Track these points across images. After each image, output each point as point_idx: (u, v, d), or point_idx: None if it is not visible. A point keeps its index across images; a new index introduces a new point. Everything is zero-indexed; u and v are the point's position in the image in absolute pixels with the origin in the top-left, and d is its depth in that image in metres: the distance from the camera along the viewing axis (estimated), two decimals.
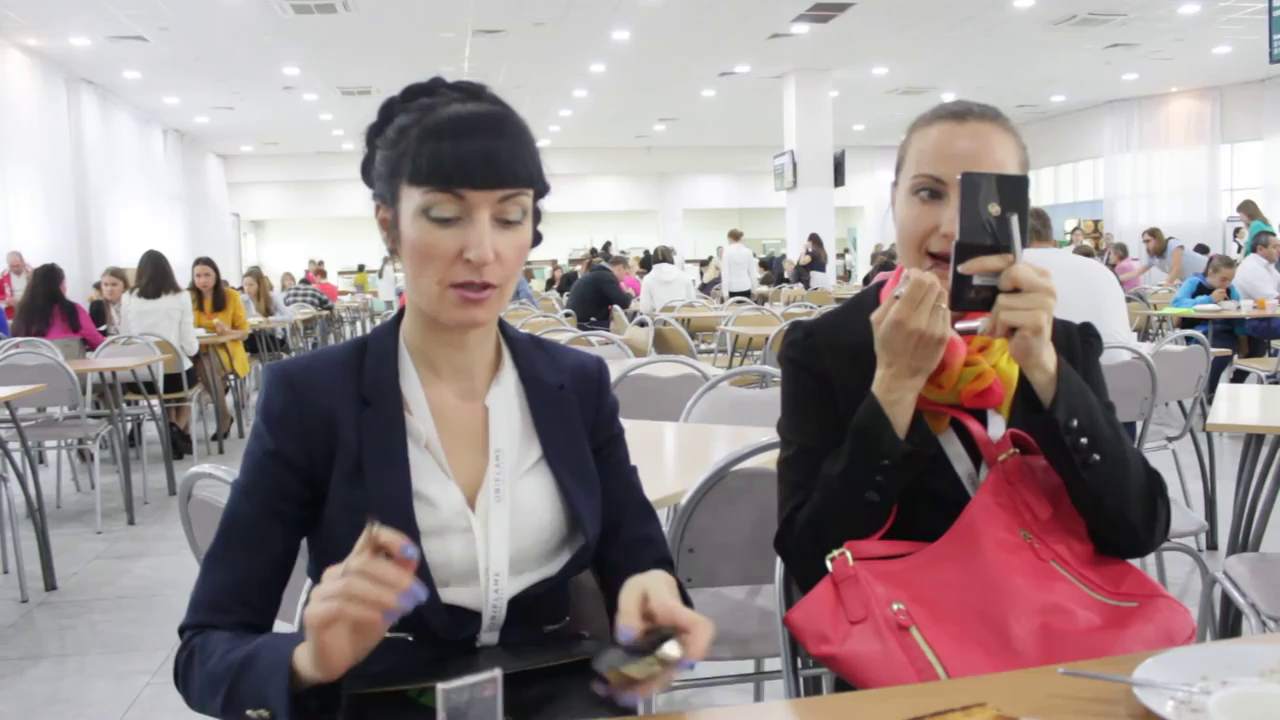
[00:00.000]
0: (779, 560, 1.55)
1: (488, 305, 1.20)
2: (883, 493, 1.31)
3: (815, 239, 14.70)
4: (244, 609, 1.20)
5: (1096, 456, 1.26)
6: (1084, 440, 1.26)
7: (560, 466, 1.29)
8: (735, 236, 14.90)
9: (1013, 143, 1.37)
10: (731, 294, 12.49)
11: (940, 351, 1.28)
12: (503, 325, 1.34)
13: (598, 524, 1.30)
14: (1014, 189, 1.23)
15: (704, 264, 22.14)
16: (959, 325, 1.30)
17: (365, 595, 0.96)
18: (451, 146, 1.15)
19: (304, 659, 1.04)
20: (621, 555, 1.33)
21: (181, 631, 1.21)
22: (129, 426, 6.39)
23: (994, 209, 1.21)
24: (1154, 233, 12.39)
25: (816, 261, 14.53)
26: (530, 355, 1.34)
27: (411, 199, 1.17)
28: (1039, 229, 4.06)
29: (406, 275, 1.22)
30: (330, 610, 0.96)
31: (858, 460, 1.31)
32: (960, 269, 1.22)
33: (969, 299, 1.23)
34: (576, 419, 1.33)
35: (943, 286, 1.25)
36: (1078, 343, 1.45)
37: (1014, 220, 1.22)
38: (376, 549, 0.98)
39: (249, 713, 1.09)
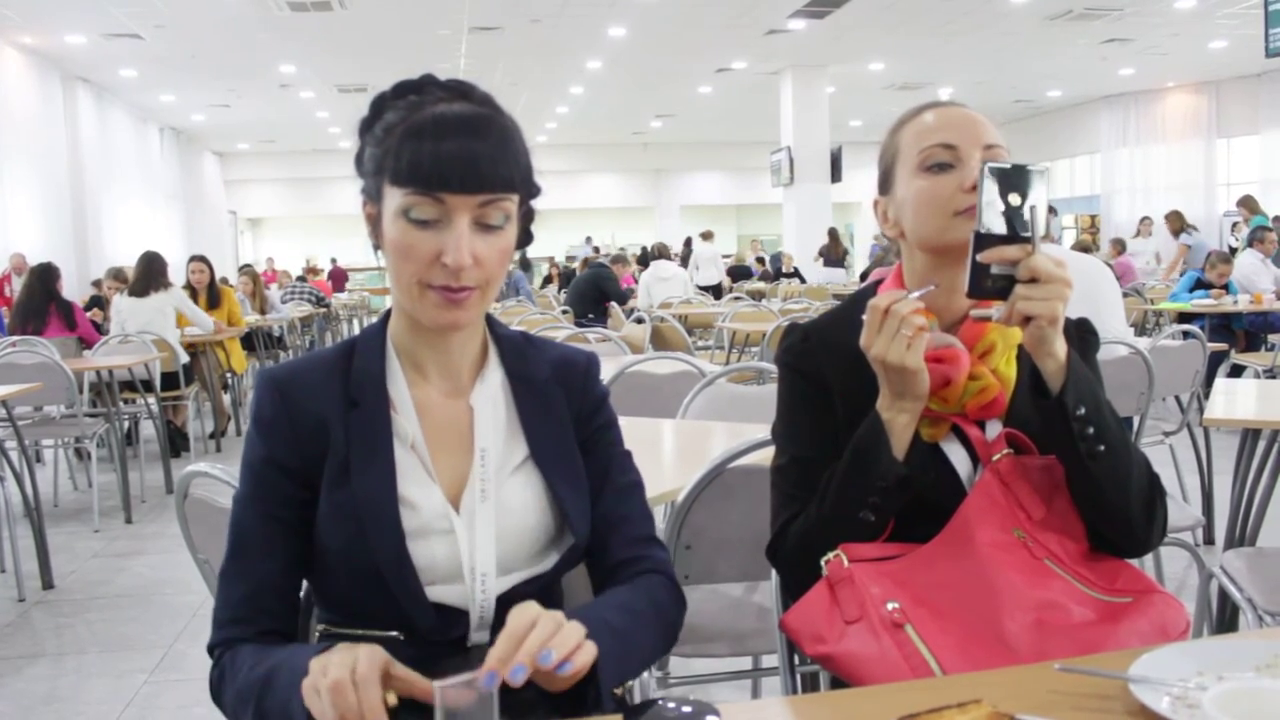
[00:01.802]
0: None
1: (467, 307, 1.19)
2: (877, 513, 1.31)
3: (832, 234, 14.77)
4: (264, 618, 1.21)
5: (1101, 446, 1.27)
6: (1090, 429, 1.27)
7: (548, 465, 1.28)
8: (706, 236, 15.35)
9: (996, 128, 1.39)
10: (701, 287, 13.25)
11: (916, 381, 1.28)
12: (491, 323, 1.34)
13: (587, 522, 1.30)
14: (1035, 180, 1.24)
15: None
16: (975, 312, 1.32)
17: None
18: (432, 148, 1.14)
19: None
20: (618, 557, 1.31)
21: (211, 650, 1.23)
22: (126, 425, 6.39)
23: (1014, 199, 1.23)
24: (1176, 215, 12.33)
25: (830, 257, 14.60)
26: (518, 352, 1.33)
27: (393, 198, 1.17)
28: None
29: (389, 273, 1.23)
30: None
31: (854, 479, 1.31)
32: (979, 258, 1.23)
33: (986, 287, 1.24)
34: (564, 415, 1.32)
35: (907, 311, 1.25)
36: (1074, 339, 1.44)
37: (1034, 211, 1.23)
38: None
39: None
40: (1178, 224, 12.34)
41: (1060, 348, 1.26)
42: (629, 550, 1.31)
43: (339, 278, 20.99)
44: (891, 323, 1.25)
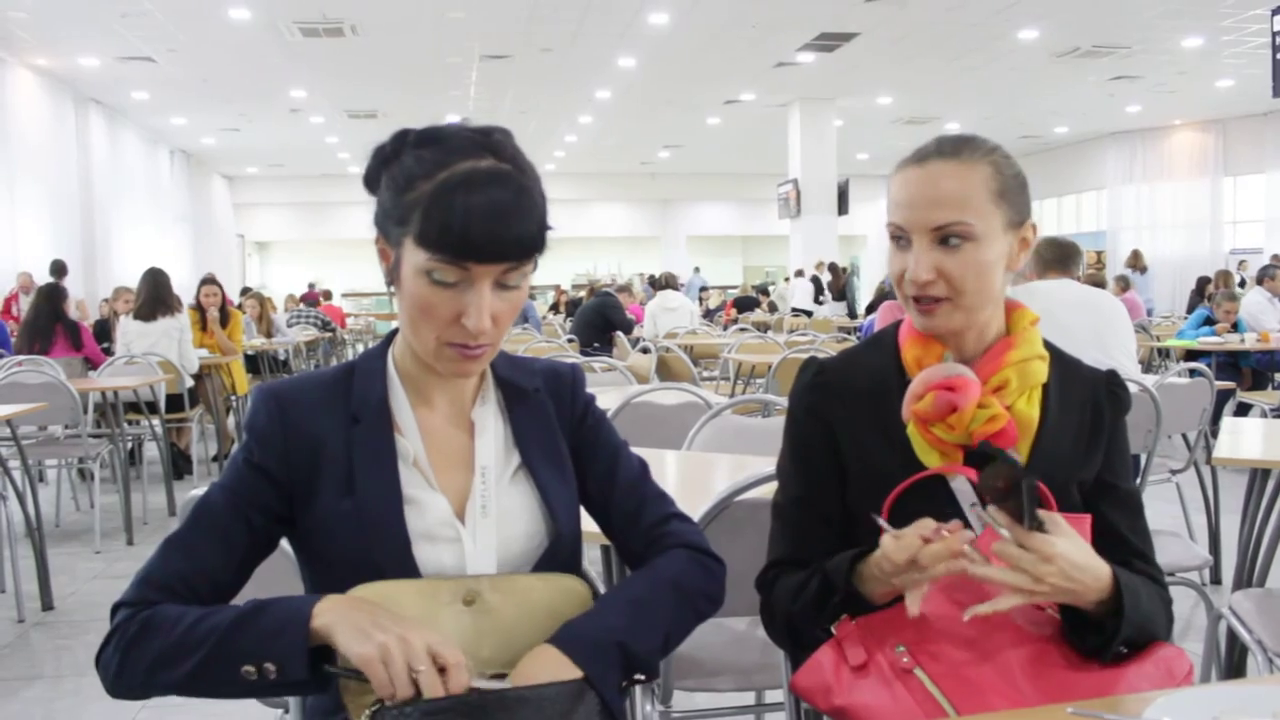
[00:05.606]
0: None
1: (482, 359, 1.24)
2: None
3: (831, 268, 14.82)
4: (192, 599, 1.19)
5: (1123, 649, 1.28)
6: (1123, 649, 1.28)
7: (537, 467, 1.33)
8: (800, 274, 15.55)
9: (976, 173, 1.31)
10: (794, 310, 14.53)
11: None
12: None
13: (575, 518, 1.34)
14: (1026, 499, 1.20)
15: (703, 291, 22.17)
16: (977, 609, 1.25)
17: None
18: (461, 221, 1.14)
19: (330, 621, 1.10)
20: (642, 545, 1.36)
21: (119, 607, 1.19)
22: (130, 446, 6.38)
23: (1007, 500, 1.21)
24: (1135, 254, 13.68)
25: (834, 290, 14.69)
26: (508, 366, 1.38)
27: (415, 255, 1.18)
28: (1058, 260, 3.95)
29: (402, 320, 1.25)
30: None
31: (820, 605, 1.34)
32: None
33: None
34: (551, 420, 1.37)
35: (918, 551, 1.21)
36: (1104, 396, 1.42)
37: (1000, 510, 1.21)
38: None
39: (245, 668, 1.10)
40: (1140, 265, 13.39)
41: (1094, 587, 1.22)
42: (648, 538, 1.36)
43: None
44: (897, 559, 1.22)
